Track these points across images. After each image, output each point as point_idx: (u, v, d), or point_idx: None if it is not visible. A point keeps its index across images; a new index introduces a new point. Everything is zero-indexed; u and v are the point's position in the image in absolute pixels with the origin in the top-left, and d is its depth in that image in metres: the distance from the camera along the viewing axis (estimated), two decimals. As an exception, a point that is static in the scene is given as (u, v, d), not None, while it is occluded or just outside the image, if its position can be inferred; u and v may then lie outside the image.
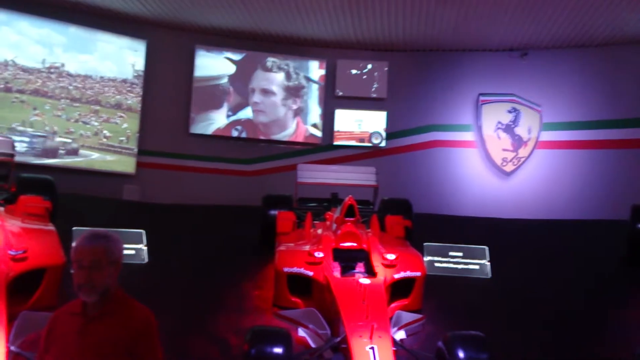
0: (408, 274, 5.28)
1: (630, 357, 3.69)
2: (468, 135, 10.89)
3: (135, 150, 10.35)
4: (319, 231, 6.12)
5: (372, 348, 3.81)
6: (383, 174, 8.27)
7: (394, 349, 4.14)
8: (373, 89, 11.01)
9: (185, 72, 10.74)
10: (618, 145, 10.25)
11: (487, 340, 3.90)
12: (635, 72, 10.17)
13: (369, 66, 10.99)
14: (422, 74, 10.97)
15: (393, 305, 5.21)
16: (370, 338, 3.89)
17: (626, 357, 3.75)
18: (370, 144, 10.84)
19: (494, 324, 5.25)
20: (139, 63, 10.46)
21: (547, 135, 10.62)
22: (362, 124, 10.90)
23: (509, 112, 10.74)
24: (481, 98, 10.79)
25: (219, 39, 10.79)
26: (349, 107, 11.01)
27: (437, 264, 6.73)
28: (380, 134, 10.67)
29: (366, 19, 9.78)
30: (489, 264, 6.72)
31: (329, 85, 11.08)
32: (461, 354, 3.78)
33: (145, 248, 6.54)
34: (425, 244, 6.77)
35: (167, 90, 10.69)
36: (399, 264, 5.25)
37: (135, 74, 10.46)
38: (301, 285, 5.32)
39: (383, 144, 10.88)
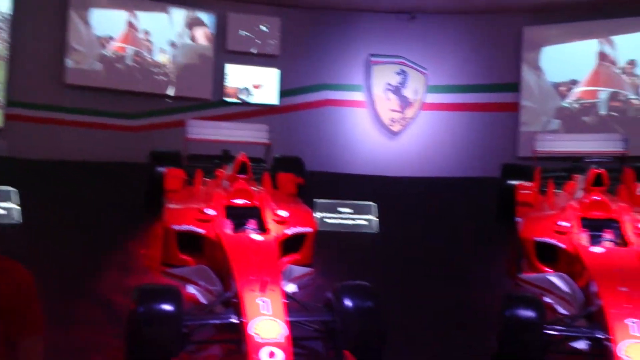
0: (299, 229, 5.38)
1: (498, 300, 4.06)
2: (359, 95, 11.11)
3: (3, 101, 9.42)
4: (210, 188, 6.01)
5: (264, 301, 3.86)
6: (276, 131, 8.25)
7: (285, 301, 4.22)
8: (265, 45, 10.80)
9: (59, 16, 9.84)
10: (492, 108, 11.00)
11: (372, 290, 4.09)
12: (507, 39, 10.88)
13: (262, 22, 10.75)
14: (315, 32, 10.94)
15: (285, 260, 5.29)
16: (262, 291, 3.93)
17: (490, 300, 4.13)
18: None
19: (380, 275, 5.52)
20: (4, 5, 9.41)
21: (432, 98, 11.12)
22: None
23: (397, 73, 11.08)
24: (371, 59, 11.02)
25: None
26: (240, 63, 10.74)
27: (327, 220, 6.94)
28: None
29: (259, -29, 9.51)
30: (376, 219, 7.01)
31: (219, 39, 10.71)
32: (348, 303, 3.94)
33: (18, 207, 6.06)
34: (316, 200, 6.91)
35: (39, 35, 9.75)
36: (291, 220, 5.32)
37: (0, 18, 9.42)
38: (191, 243, 5.24)
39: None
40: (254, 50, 10.73)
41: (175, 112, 10.43)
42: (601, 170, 5.42)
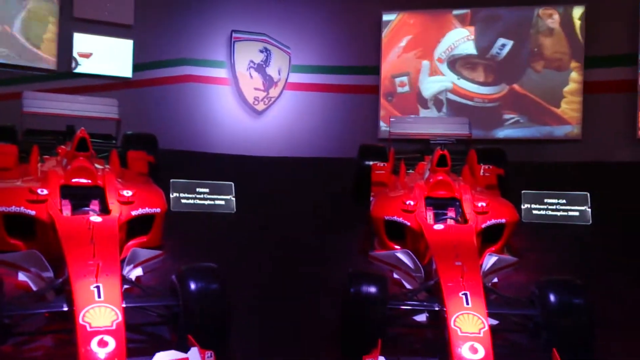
0: (146, 210, 5.08)
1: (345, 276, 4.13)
2: (221, 72, 10.83)
3: None
4: (47, 166, 5.49)
5: (98, 287, 3.57)
6: (129, 107, 7.78)
7: (126, 286, 3.94)
8: (117, 14, 10.04)
9: None
10: (355, 90, 11.31)
11: (218, 271, 3.96)
12: (368, 23, 11.20)
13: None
14: (174, 3, 10.42)
15: (130, 243, 5.00)
16: (96, 277, 3.63)
17: (341, 276, 4.19)
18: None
19: (233, 256, 5.43)
20: None
21: (296, 77, 11.15)
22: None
23: (261, 51, 10.95)
24: (234, 35, 10.76)
25: None
26: (90, 32, 9.91)
27: (184, 200, 6.69)
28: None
29: None
30: (234, 199, 6.88)
31: (66, 4, 9.77)
32: (192, 285, 3.78)
33: None
34: (172, 180, 6.63)
35: None
36: (138, 200, 5.01)
37: None
38: (23, 226, 4.76)
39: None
40: (104, 19, 9.92)
41: (13, 83, 9.39)
42: (444, 152, 5.68)
